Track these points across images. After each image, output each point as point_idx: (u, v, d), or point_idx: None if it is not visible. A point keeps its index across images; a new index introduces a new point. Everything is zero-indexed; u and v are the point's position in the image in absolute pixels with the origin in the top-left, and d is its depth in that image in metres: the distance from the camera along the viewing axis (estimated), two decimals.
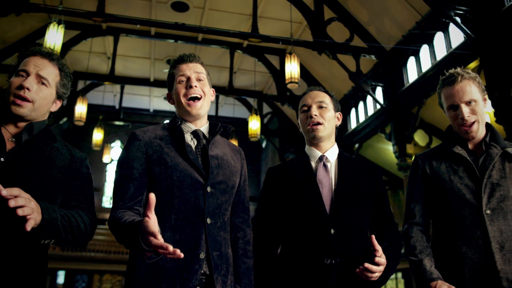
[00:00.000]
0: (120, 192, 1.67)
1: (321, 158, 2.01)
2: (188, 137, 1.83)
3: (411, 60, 8.03)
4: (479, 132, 2.01)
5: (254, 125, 10.03)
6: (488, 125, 2.08)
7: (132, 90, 13.88)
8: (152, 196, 1.34)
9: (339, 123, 2.12)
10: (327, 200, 1.90)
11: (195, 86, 1.81)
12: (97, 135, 11.13)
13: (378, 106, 8.64)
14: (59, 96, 1.82)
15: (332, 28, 8.21)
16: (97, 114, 12.33)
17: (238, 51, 10.71)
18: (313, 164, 2.02)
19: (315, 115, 1.99)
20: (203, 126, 1.89)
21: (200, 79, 1.86)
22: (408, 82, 8.00)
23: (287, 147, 12.99)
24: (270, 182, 2.06)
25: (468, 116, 1.97)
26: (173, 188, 1.68)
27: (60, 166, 1.70)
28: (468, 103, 1.99)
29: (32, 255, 1.59)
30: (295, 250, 1.89)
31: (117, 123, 12.82)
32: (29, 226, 1.32)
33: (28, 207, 1.34)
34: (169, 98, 1.95)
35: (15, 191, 1.32)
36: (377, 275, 1.68)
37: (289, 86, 7.16)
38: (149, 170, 1.71)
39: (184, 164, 1.71)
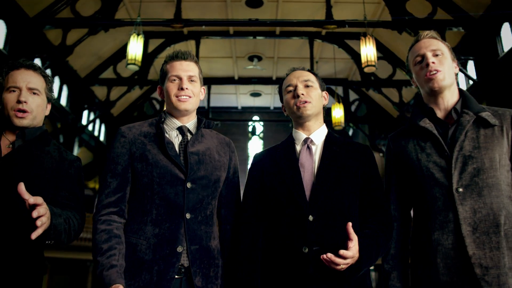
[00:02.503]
0: (104, 186, 1.78)
1: (305, 141, 1.91)
2: (173, 134, 1.88)
3: (505, 27, 7.26)
4: (445, 82, 1.76)
5: (338, 113, 9.80)
6: (460, 91, 1.84)
7: (218, 90, 14.30)
8: None
9: (326, 102, 2.01)
10: (308, 185, 1.78)
11: (186, 89, 1.86)
12: None
13: (471, 82, 7.97)
14: (49, 100, 1.98)
15: (412, 4, 7.73)
16: None
17: (317, 40, 10.53)
18: (298, 147, 1.92)
19: (302, 94, 1.89)
20: (190, 122, 1.92)
21: (192, 80, 1.90)
22: (503, 51, 7.24)
23: (377, 133, 12.52)
24: (253, 168, 1.99)
25: (433, 63, 1.76)
26: (153, 184, 1.75)
27: (48, 167, 1.84)
28: (435, 55, 1.79)
29: (32, 253, 1.75)
30: (274, 238, 1.79)
31: None
32: (34, 235, 1.45)
33: (46, 217, 1.49)
34: (159, 91, 1.99)
35: (39, 199, 1.47)
36: (342, 266, 1.54)
37: (366, 70, 6.88)
38: (132, 166, 1.80)
39: (165, 161, 1.77)
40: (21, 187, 1.44)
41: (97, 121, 12.20)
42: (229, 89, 14.93)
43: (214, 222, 1.86)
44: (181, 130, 1.89)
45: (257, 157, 2.02)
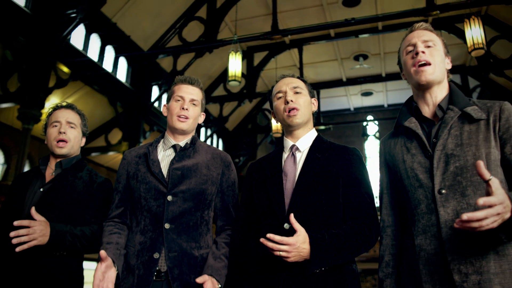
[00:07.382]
0: (111, 201, 2.12)
1: (291, 148, 1.89)
2: (169, 151, 2.09)
3: None
4: (434, 76, 1.65)
5: None
6: (450, 86, 1.70)
7: (328, 94, 14.26)
8: (102, 253, 1.75)
9: (315, 109, 1.99)
10: (289, 193, 1.76)
11: (187, 109, 2.06)
12: None
13: None
14: (83, 134, 2.41)
15: None
16: None
17: None
18: (285, 155, 1.91)
19: (291, 100, 1.88)
20: (184, 140, 2.09)
21: (194, 103, 2.10)
22: None
23: None
24: (246, 179, 2.02)
25: (423, 52, 1.65)
26: (141, 199, 1.98)
27: (80, 191, 2.23)
28: (427, 46, 1.67)
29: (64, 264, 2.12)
30: (256, 247, 1.76)
31: (320, 127, 13.34)
32: (18, 249, 1.87)
33: (28, 237, 1.87)
34: (164, 109, 2.16)
35: (25, 222, 1.90)
36: (280, 254, 1.54)
37: (473, 54, 6.27)
38: (128, 184, 2.07)
39: (151, 178, 1.99)
40: (32, 210, 1.91)
41: (214, 136, 12.98)
42: (338, 91, 14.76)
43: (201, 232, 1.98)
44: (175, 147, 2.07)
45: (249, 167, 2.07)
